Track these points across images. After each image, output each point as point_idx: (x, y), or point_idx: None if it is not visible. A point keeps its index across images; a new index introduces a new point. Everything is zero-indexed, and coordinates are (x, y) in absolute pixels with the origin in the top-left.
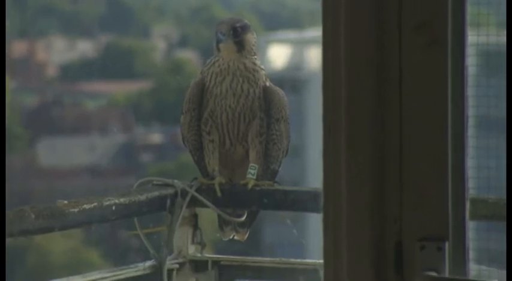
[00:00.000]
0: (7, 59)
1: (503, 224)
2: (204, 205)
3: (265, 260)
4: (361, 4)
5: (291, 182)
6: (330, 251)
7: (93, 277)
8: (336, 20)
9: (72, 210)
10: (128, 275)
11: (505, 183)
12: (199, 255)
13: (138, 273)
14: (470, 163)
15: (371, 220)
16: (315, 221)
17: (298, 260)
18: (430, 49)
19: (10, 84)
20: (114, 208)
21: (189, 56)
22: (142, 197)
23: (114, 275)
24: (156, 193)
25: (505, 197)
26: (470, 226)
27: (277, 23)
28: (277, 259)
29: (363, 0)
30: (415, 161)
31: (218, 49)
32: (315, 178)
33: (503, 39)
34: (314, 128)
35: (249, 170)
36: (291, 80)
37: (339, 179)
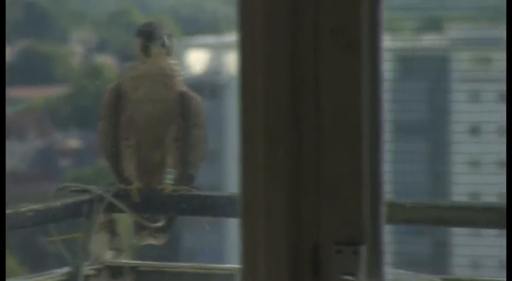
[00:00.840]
0: None
1: (420, 228)
2: (121, 211)
3: (183, 265)
4: (277, 8)
5: (209, 187)
6: (246, 256)
7: None
8: (252, 25)
9: None
10: None
11: (422, 187)
12: (116, 261)
13: (55, 280)
14: (387, 167)
15: (288, 224)
16: (234, 226)
17: (217, 265)
18: (345, 53)
19: None
20: (30, 214)
21: (107, 60)
22: (59, 203)
23: None
24: (72, 199)
25: (421, 201)
26: (388, 230)
27: (195, 27)
28: (196, 264)
29: (278, 5)
30: (332, 166)
31: (147, 53)
32: (233, 183)
33: (420, 43)
34: (233, 133)
35: (167, 175)
36: (209, 84)
37: (255, 183)
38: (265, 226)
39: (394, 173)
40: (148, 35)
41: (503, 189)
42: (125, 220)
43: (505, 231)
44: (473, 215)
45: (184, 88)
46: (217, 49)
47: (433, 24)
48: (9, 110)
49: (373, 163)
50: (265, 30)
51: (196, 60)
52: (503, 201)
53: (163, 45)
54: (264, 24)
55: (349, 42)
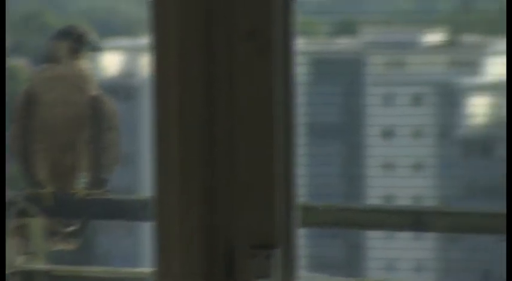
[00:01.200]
0: None
1: (334, 231)
2: (33, 215)
3: (97, 269)
4: (191, 11)
5: (124, 190)
6: (161, 259)
7: None
8: (166, 28)
9: None
10: None
11: (336, 190)
12: (28, 266)
13: None
14: (301, 170)
15: (202, 227)
16: (148, 230)
17: (131, 269)
18: (259, 57)
19: None
20: None
21: (21, 63)
22: None
23: None
24: None
25: (335, 203)
26: (302, 233)
27: (110, 30)
28: (110, 268)
29: (192, 7)
30: (245, 169)
31: (74, 56)
32: (148, 186)
33: (334, 47)
34: (148, 136)
35: (80, 179)
36: (124, 87)
37: (169, 187)
38: (179, 229)
39: (309, 176)
40: (77, 38)
41: (417, 192)
42: (37, 225)
43: (418, 234)
44: (387, 218)
45: (97, 91)
46: (132, 51)
47: (347, 28)
48: None
49: (287, 166)
50: (179, 33)
51: (110, 62)
52: (417, 204)
53: (94, 48)
54: (178, 27)
55: (262, 46)
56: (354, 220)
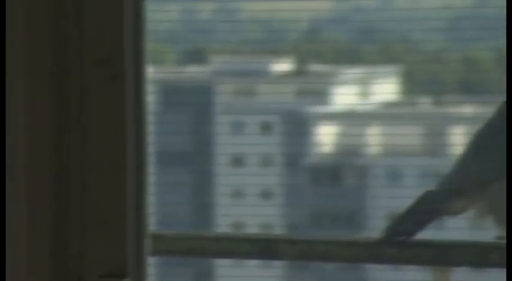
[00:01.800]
0: None
1: (183, 259)
2: None
3: None
4: (40, 38)
5: None
6: None
7: None
8: (14, 52)
9: None
10: None
11: (186, 218)
12: None
13: None
14: (151, 199)
15: (52, 256)
16: None
17: None
18: (111, 85)
19: None
20: None
21: None
22: None
23: None
24: None
25: (185, 232)
26: (152, 262)
27: None
28: None
29: (41, 34)
30: (97, 198)
31: None
32: None
33: (183, 75)
34: None
35: None
36: None
37: (18, 214)
38: (28, 257)
39: (158, 205)
40: None
41: (266, 220)
42: None
43: (266, 261)
44: (236, 246)
45: None
46: None
47: (196, 56)
48: None
49: (139, 195)
50: (27, 59)
51: None
52: (266, 232)
53: None
54: (26, 53)
55: (114, 74)
56: (203, 248)
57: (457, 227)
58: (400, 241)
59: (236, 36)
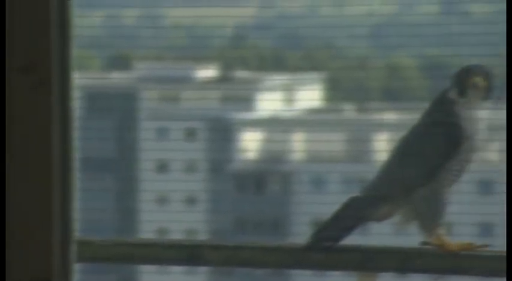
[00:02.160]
0: None
1: (108, 266)
2: None
3: None
4: None
5: None
6: None
7: None
8: None
9: None
10: None
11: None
12: None
13: None
14: (76, 205)
15: None
16: None
17: None
18: (36, 91)
19: None
20: None
21: None
22: None
23: None
24: None
25: (109, 238)
26: (77, 268)
27: None
28: None
29: None
30: (21, 206)
31: None
32: None
33: (108, 82)
34: None
35: None
36: None
37: None
38: None
39: (82, 211)
40: None
41: (191, 226)
42: None
43: (192, 268)
44: (162, 252)
45: None
46: None
47: (121, 63)
48: None
49: (65, 201)
50: None
51: None
52: (190, 238)
53: None
54: None
55: (40, 80)
56: (129, 254)
57: (382, 233)
58: (326, 246)
59: (160, 42)
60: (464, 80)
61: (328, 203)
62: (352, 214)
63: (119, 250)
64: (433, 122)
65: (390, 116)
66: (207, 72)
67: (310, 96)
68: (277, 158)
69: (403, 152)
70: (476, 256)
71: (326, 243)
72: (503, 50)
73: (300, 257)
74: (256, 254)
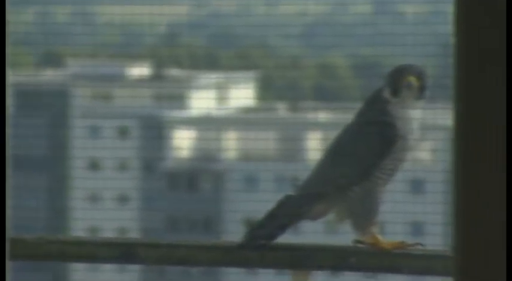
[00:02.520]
0: None
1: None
2: None
3: None
4: None
5: None
6: None
7: None
8: None
9: None
10: None
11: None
12: None
13: None
14: (9, 203)
15: None
16: None
17: None
18: None
19: None
20: None
21: None
22: None
23: None
24: None
25: (42, 236)
26: (11, 265)
27: None
28: None
29: None
30: None
31: None
32: None
33: (39, 79)
34: None
35: None
36: None
37: None
38: None
39: (13, 209)
40: None
41: (123, 224)
42: None
43: (125, 266)
44: (95, 250)
45: None
46: None
47: (53, 60)
48: None
49: None
50: None
51: None
52: (122, 236)
53: None
54: None
55: None
56: (62, 252)
57: (316, 232)
58: (261, 244)
59: (93, 39)
60: (398, 79)
61: (261, 201)
62: (287, 212)
63: (52, 248)
64: (367, 121)
65: (323, 115)
66: (140, 70)
67: (243, 95)
68: (210, 157)
69: (336, 151)
70: (408, 255)
71: (260, 241)
72: (436, 50)
73: (234, 256)
74: (191, 252)
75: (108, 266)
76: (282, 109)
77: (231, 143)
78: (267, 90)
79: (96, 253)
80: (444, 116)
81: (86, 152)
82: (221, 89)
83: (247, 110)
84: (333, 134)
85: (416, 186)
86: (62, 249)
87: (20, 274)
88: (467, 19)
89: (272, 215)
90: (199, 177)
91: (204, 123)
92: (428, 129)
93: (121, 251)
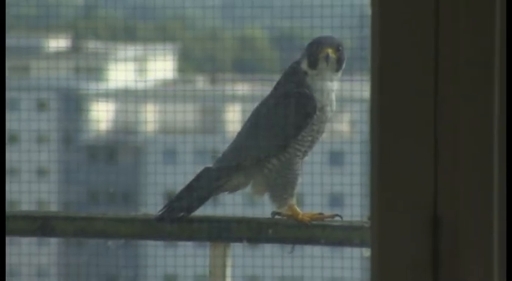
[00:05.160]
0: None
1: None
2: None
3: None
4: None
5: None
6: None
7: None
8: None
9: None
10: None
11: None
12: None
13: None
14: None
15: None
16: None
17: None
18: None
19: None
20: None
21: None
22: None
23: None
24: None
25: None
26: None
27: None
28: None
29: None
30: None
31: None
32: None
33: None
34: None
35: None
36: None
37: None
38: None
39: None
40: None
41: (42, 197)
42: None
43: (44, 239)
44: (14, 224)
45: None
46: None
47: None
48: None
49: None
50: None
51: None
52: (42, 209)
53: None
54: None
55: None
56: None
57: (235, 204)
58: (179, 217)
59: (9, 11)
60: (315, 51)
61: (180, 174)
62: (205, 185)
63: None
64: (285, 93)
65: (242, 87)
66: (57, 42)
67: (162, 67)
68: (129, 129)
69: (255, 123)
70: (327, 226)
71: (179, 214)
72: (353, 22)
73: (153, 228)
74: (109, 225)
75: (26, 239)
76: (201, 81)
77: (150, 116)
78: (186, 63)
79: (14, 226)
80: (362, 87)
81: (6, 125)
82: (140, 61)
83: (166, 82)
84: (252, 107)
85: (335, 158)
86: None
87: None
88: None
89: (190, 188)
90: (119, 150)
91: (122, 95)
92: (346, 101)
93: (39, 224)
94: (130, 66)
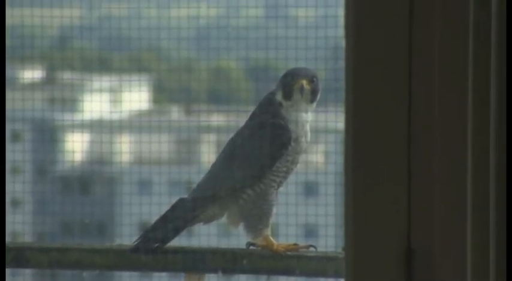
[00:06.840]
0: None
1: None
2: None
3: None
4: None
5: None
6: None
7: None
8: None
9: None
10: None
11: None
12: None
13: None
14: None
15: None
16: None
17: None
18: None
19: None
20: None
21: None
22: None
23: None
24: None
25: None
26: None
27: None
28: None
29: None
30: None
31: None
32: None
33: None
34: None
35: None
36: None
37: None
38: None
39: None
40: None
41: (15, 228)
42: None
43: (17, 270)
44: None
45: None
46: None
47: None
48: None
49: None
50: None
51: None
52: (15, 240)
53: None
54: None
55: None
56: None
57: (209, 234)
58: (154, 248)
59: None
60: (290, 83)
61: (155, 204)
62: (180, 216)
63: None
64: (260, 123)
65: (217, 118)
66: (32, 73)
67: (137, 98)
68: (103, 160)
69: (230, 153)
70: (301, 257)
71: (154, 244)
72: (327, 53)
73: (128, 259)
74: (84, 256)
75: None
76: (176, 112)
77: (125, 147)
78: (161, 94)
79: None
80: (336, 118)
81: None
82: (115, 92)
83: (141, 113)
84: (227, 137)
85: (309, 188)
86: None
87: None
88: (357, 22)
89: (165, 218)
90: (94, 180)
91: (97, 126)
92: (321, 132)
93: (13, 256)
94: (105, 97)
